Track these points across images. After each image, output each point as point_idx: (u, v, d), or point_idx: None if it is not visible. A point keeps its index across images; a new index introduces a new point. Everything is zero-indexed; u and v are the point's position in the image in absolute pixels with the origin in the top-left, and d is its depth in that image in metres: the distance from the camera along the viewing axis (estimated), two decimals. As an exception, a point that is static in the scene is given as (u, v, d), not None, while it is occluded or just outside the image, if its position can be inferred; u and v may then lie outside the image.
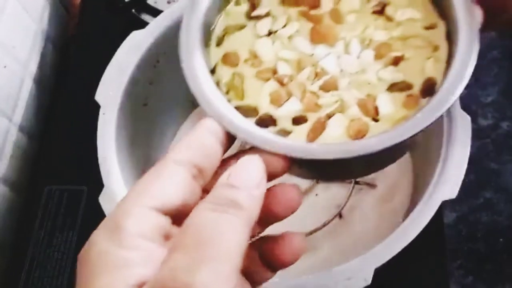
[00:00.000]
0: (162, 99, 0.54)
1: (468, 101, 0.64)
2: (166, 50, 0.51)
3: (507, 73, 0.66)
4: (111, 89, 0.48)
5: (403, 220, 0.42)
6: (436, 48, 0.36)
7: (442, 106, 0.32)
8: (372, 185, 0.56)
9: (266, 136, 0.33)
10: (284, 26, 0.38)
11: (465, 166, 0.43)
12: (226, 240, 0.25)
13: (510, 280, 0.55)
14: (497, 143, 0.62)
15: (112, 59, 0.49)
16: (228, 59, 0.38)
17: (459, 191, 0.42)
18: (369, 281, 0.39)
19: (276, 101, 0.36)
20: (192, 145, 0.28)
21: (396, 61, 0.36)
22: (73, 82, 0.67)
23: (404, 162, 0.57)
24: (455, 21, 0.35)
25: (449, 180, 0.42)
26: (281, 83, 0.36)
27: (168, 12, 0.51)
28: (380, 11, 0.38)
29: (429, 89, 0.35)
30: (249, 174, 0.28)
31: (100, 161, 0.45)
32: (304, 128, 0.34)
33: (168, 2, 0.68)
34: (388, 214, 0.54)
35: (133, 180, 0.48)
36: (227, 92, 0.36)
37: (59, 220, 0.58)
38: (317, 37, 0.38)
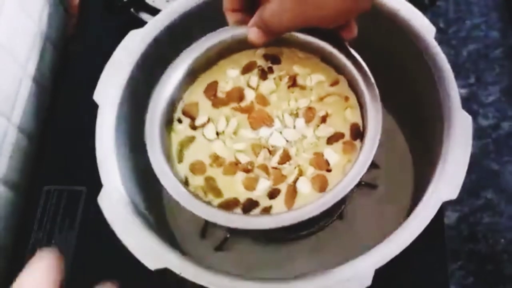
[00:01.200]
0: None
1: (469, 101, 0.64)
2: (164, 49, 0.51)
3: (509, 73, 0.66)
4: (110, 88, 0.48)
5: (404, 220, 0.42)
6: (347, 99, 0.45)
7: (374, 146, 0.41)
8: (373, 186, 0.56)
9: (251, 219, 0.41)
10: (226, 125, 0.45)
11: (466, 166, 0.42)
12: None
13: (510, 281, 0.55)
14: (498, 143, 0.62)
15: (110, 58, 0.49)
16: (196, 169, 0.44)
17: (460, 192, 0.41)
18: (369, 282, 0.39)
19: (250, 186, 0.43)
20: None
21: (324, 119, 0.45)
22: (72, 82, 0.67)
23: (405, 163, 0.57)
24: (350, 73, 0.44)
25: (450, 180, 0.42)
26: (247, 171, 0.43)
27: (166, 11, 0.51)
28: (293, 84, 0.46)
29: (356, 132, 0.44)
30: None
31: (98, 161, 0.45)
32: (280, 199, 0.42)
33: (167, 1, 0.68)
34: (388, 215, 0.54)
35: (131, 180, 0.48)
36: (206, 195, 0.43)
37: (58, 220, 0.58)
38: (255, 123, 0.45)
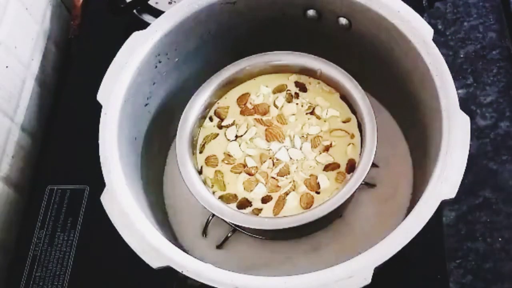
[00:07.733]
0: (162, 99, 0.55)
1: (467, 101, 0.64)
2: (167, 51, 0.52)
3: (506, 74, 0.66)
4: (113, 89, 0.48)
5: (403, 219, 0.42)
6: (352, 136, 0.51)
7: (358, 182, 0.46)
8: (372, 185, 0.56)
9: (245, 217, 0.47)
10: (246, 131, 0.52)
11: (464, 166, 0.43)
12: None
13: (508, 279, 0.55)
14: (495, 143, 0.62)
15: (113, 59, 0.49)
16: (210, 161, 0.51)
17: (458, 191, 0.42)
18: (369, 280, 0.39)
19: (248, 187, 0.49)
20: None
21: (327, 148, 0.51)
22: (75, 82, 0.67)
23: (403, 162, 0.57)
24: (361, 116, 0.50)
25: (448, 180, 0.42)
26: (250, 174, 0.50)
27: (169, 13, 0.51)
28: (311, 112, 0.53)
29: (351, 167, 0.49)
30: None
31: (101, 160, 0.45)
32: (270, 205, 0.48)
33: (169, 3, 0.68)
34: (387, 214, 0.55)
35: (134, 179, 0.48)
36: (212, 186, 0.49)
37: (61, 219, 0.58)
38: (270, 136, 0.52)
